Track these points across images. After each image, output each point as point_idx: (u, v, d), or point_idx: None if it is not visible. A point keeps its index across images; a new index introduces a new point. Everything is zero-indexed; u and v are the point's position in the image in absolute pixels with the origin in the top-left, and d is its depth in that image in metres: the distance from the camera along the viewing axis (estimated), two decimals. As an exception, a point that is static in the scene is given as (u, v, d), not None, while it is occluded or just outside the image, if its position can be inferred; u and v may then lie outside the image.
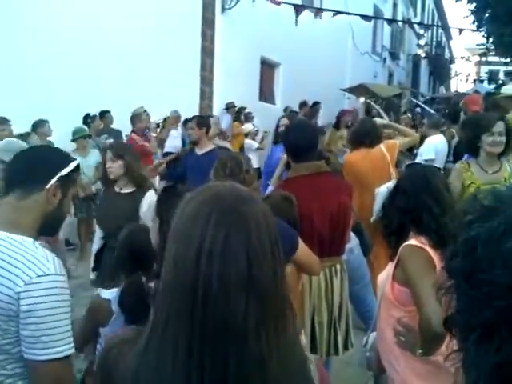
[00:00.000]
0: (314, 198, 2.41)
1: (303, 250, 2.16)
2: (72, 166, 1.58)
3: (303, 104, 10.75)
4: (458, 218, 0.65)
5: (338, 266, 2.78)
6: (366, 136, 4.16)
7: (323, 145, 5.47)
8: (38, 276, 1.33)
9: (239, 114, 9.45)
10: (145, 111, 7.10)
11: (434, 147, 5.71)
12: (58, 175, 1.53)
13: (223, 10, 10.31)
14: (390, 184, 4.01)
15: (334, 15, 10.08)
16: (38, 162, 1.54)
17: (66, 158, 1.62)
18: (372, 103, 9.25)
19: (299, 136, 2.68)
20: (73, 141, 6.07)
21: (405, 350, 1.84)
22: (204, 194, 0.89)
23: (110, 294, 2.07)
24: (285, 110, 10.92)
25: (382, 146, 4.17)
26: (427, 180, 1.95)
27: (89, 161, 6.07)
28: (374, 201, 3.86)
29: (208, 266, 0.80)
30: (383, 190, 3.97)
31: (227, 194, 0.88)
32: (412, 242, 1.85)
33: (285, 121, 5.46)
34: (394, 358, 1.92)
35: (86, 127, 6.61)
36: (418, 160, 5.55)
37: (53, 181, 1.51)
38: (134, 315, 1.93)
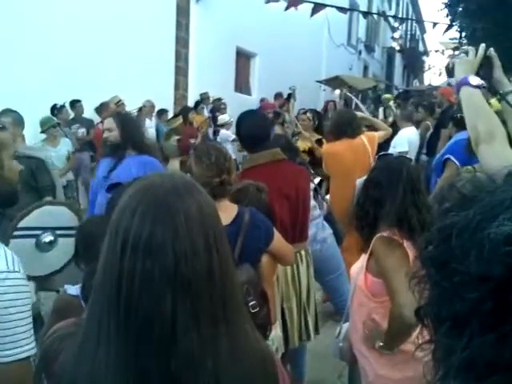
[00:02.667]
0: (273, 186, 2.41)
1: (278, 240, 2.15)
2: None
3: (278, 95, 10.73)
4: (434, 206, 0.63)
5: (303, 252, 2.83)
6: (348, 126, 4.18)
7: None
8: None
9: (197, 106, 9.24)
10: (120, 101, 6.98)
11: (408, 139, 5.77)
12: None
13: (198, -1, 10.18)
14: None
15: (312, 14, 10.04)
16: None
17: None
18: (351, 95, 9.28)
19: (251, 127, 2.71)
20: (42, 132, 5.91)
21: (366, 342, 1.86)
22: (136, 186, 0.86)
23: (79, 289, 1.97)
24: (261, 100, 10.88)
25: (363, 137, 4.23)
26: (400, 171, 1.94)
27: (59, 151, 5.91)
28: (355, 191, 3.86)
29: (132, 261, 0.78)
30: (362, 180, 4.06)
31: (159, 185, 0.84)
32: (384, 233, 1.85)
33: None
34: (365, 349, 1.92)
35: (52, 116, 6.44)
36: (391, 152, 5.59)
37: None
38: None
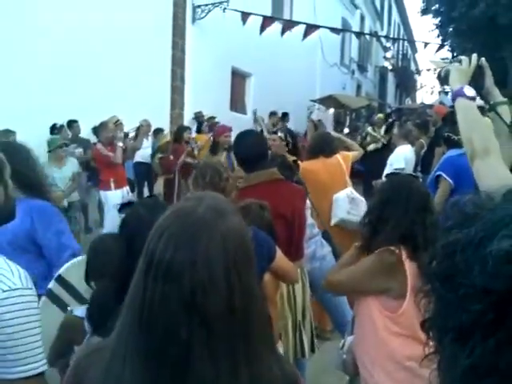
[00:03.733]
0: (269, 205, 2.43)
1: (281, 258, 2.17)
2: None
3: (272, 114, 10.86)
4: (437, 224, 0.67)
5: (298, 271, 2.83)
6: (325, 146, 4.41)
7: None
8: (4, 291, 1.24)
9: (201, 125, 9.36)
10: (118, 120, 7.02)
11: (404, 156, 5.86)
12: None
13: (194, 20, 10.34)
14: (348, 191, 4.28)
15: (304, 37, 10.28)
16: None
17: None
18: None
19: (248, 147, 2.73)
20: (49, 151, 5.91)
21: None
22: (171, 209, 0.87)
23: (83, 311, 1.95)
24: (254, 113, 11.04)
25: (338, 156, 4.44)
26: (409, 188, 1.97)
27: (64, 172, 5.87)
28: (332, 206, 4.23)
29: (153, 284, 0.79)
30: (342, 196, 4.23)
31: (189, 210, 0.84)
32: (390, 247, 1.87)
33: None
34: (369, 362, 1.93)
35: (58, 136, 6.47)
36: (388, 169, 5.68)
37: None
38: (99, 326, 1.91)
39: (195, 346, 0.77)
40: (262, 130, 8.84)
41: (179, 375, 0.78)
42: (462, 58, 1.63)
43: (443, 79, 1.68)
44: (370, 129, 8.84)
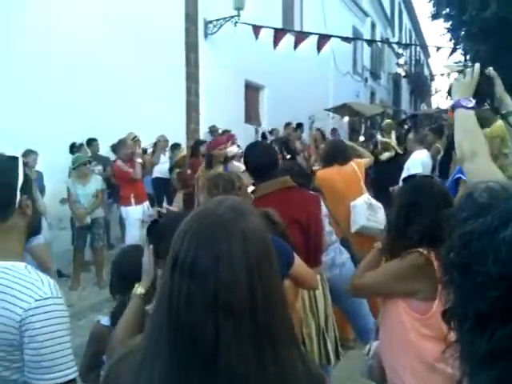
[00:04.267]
0: (284, 213, 2.44)
1: (299, 265, 2.19)
2: (21, 167, 1.47)
3: (287, 124, 10.93)
4: (453, 215, 0.69)
5: (318, 277, 2.84)
6: (340, 154, 4.45)
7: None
8: (36, 301, 1.29)
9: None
10: (136, 137, 7.13)
11: (421, 161, 5.83)
12: (19, 187, 1.43)
13: (206, 35, 10.50)
14: (365, 197, 4.30)
15: (318, 49, 10.39)
16: None
17: (11, 164, 1.48)
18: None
19: (257, 157, 2.77)
20: (73, 169, 6.04)
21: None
22: (193, 212, 0.91)
23: (108, 320, 2.06)
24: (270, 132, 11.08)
25: (352, 163, 4.48)
26: (431, 188, 1.99)
27: (88, 189, 6.01)
28: (349, 213, 4.25)
29: (179, 284, 0.81)
30: (360, 203, 4.25)
31: (210, 212, 0.87)
32: (420, 250, 1.87)
33: None
34: (399, 366, 1.92)
35: (82, 154, 6.60)
36: (405, 174, 5.66)
37: (18, 196, 1.43)
38: None
39: (222, 343, 0.79)
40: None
41: (208, 373, 0.80)
42: (466, 70, 1.70)
43: (449, 92, 1.77)
44: (379, 135, 8.76)
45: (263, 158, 2.76)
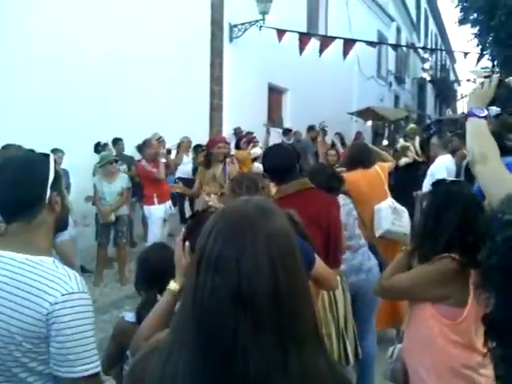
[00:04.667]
0: (303, 214, 2.45)
1: (320, 265, 2.19)
2: (52, 165, 1.50)
3: (311, 128, 10.88)
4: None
5: (338, 278, 2.84)
6: (364, 157, 4.44)
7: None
8: (63, 295, 1.33)
9: (239, 141, 9.45)
10: (160, 138, 7.22)
11: (445, 166, 5.76)
12: (50, 184, 1.46)
13: (231, 39, 10.58)
14: (390, 201, 4.28)
15: (344, 55, 10.35)
16: (26, 187, 1.44)
17: (43, 161, 1.50)
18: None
19: (276, 159, 2.79)
20: (100, 167, 6.17)
21: None
22: (220, 210, 0.94)
23: (133, 316, 2.09)
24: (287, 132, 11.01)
25: (376, 166, 4.47)
26: (460, 194, 1.97)
27: (113, 187, 6.14)
28: (373, 217, 4.22)
29: (204, 278, 0.84)
30: (385, 206, 4.22)
31: (237, 209, 0.91)
32: (452, 255, 1.86)
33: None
34: (423, 370, 1.90)
35: (109, 153, 6.72)
36: (429, 180, 5.60)
37: (48, 193, 1.45)
38: None
39: (240, 335, 0.80)
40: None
41: (227, 367, 0.81)
42: (485, 80, 1.80)
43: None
44: (401, 140, 8.61)
45: (282, 160, 2.78)
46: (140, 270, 2.23)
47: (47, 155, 1.54)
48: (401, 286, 2.04)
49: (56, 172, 1.50)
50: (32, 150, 1.59)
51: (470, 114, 1.70)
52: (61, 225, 1.58)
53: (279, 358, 0.82)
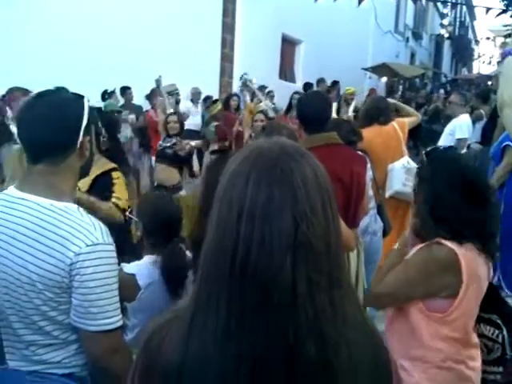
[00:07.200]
0: (327, 169, 2.36)
1: (341, 224, 2.12)
2: (86, 107, 1.41)
3: (320, 81, 10.57)
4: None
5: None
6: (380, 113, 4.16)
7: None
8: (88, 246, 1.26)
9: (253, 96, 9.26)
10: (176, 89, 7.06)
11: (468, 126, 5.58)
12: (83, 128, 1.38)
13: (245, -15, 10.15)
14: (405, 160, 4.07)
15: (359, 2, 9.86)
16: (60, 127, 1.35)
17: (78, 102, 1.41)
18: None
19: (311, 107, 2.66)
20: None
21: None
22: (246, 151, 0.83)
23: (135, 267, 2.01)
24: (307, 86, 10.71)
25: (394, 123, 4.19)
26: (457, 171, 1.68)
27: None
28: (387, 177, 4.02)
29: (249, 229, 0.74)
30: (398, 166, 4.05)
31: (269, 149, 0.81)
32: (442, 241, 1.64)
33: (297, 96, 5.94)
34: (408, 363, 1.74)
35: (113, 101, 6.61)
36: (448, 139, 5.44)
37: (81, 136, 1.37)
38: (177, 282, 1.96)
39: (299, 283, 0.74)
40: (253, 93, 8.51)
41: (283, 319, 0.74)
42: None
43: None
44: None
45: (316, 110, 2.64)
46: (155, 221, 2.12)
47: (82, 96, 1.44)
48: (389, 290, 1.74)
49: (89, 115, 1.42)
50: (63, 88, 1.45)
51: (507, 52, 1.58)
52: (85, 172, 1.52)
53: (328, 307, 0.77)
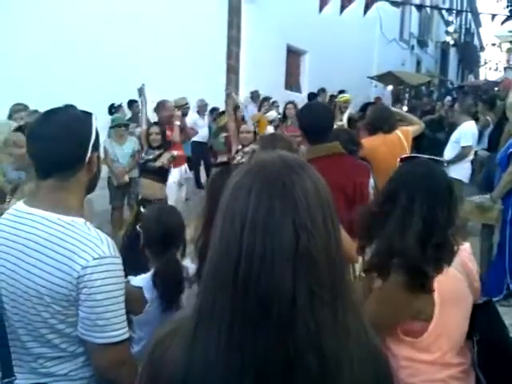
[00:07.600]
0: (330, 180, 2.34)
1: (343, 236, 2.12)
2: (94, 124, 1.45)
3: (322, 91, 10.61)
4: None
5: None
6: (384, 122, 4.19)
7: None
8: (95, 259, 1.28)
9: (262, 104, 9.33)
10: (186, 103, 7.10)
11: (472, 133, 5.57)
12: (92, 144, 1.41)
13: (249, -3, 10.25)
14: None
15: (365, 12, 9.93)
16: (69, 143, 1.38)
17: (87, 119, 1.45)
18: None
19: (313, 118, 2.66)
20: (111, 128, 6.11)
21: None
22: (248, 164, 0.84)
23: (142, 280, 2.01)
24: (313, 96, 10.74)
25: (398, 132, 4.22)
26: (421, 184, 1.64)
27: (125, 149, 6.11)
28: None
29: (250, 241, 0.75)
30: None
31: (271, 162, 0.82)
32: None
33: (290, 106, 6.50)
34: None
35: (122, 116, 6.67)
36: (454, 147, 5.43)
37: (89, 152, 1.41)
38: (171, 295, 1.93)
39: (299, 296, 0.74)
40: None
41: (283, 332, 0.74)
42: None
43: None
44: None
45: (318, 120, 2.64)
46: (154, 231, 2.13)
47: (90, 113, 1.48)
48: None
49: (96, 132, 1.46)
50: (72, 106, 1.49)
51: None
52: (92, 186, 1.54)
53: (330, 320, 0.77)
